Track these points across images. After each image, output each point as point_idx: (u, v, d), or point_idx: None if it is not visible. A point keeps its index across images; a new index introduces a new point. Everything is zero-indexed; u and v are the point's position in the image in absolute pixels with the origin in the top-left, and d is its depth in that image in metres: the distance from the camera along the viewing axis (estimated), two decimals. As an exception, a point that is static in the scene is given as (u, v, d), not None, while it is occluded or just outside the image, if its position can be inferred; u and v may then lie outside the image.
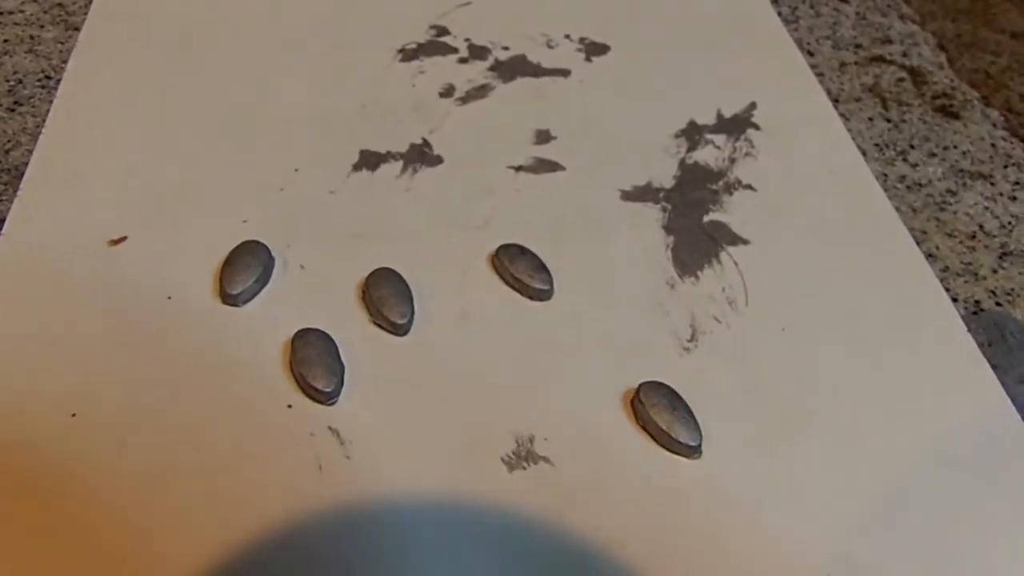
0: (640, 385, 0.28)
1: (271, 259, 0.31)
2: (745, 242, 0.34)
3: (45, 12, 0.42)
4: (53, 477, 0.26)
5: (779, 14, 0.46)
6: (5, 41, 0.40)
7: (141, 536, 0.25)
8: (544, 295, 0.31)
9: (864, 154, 0.39)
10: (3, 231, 0.32)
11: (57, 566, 0.24)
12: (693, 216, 0.35)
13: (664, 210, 0.35)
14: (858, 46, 0.46)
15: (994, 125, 0.42)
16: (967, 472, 0.28)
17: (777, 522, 0.26)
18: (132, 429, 0.27)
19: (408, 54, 0.41)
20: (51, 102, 0.37)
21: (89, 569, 0.24)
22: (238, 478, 0.26)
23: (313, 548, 0.25)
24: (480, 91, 0.40)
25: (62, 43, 0.40)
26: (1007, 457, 0.29)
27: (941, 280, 0.34)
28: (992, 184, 0.39)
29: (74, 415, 0.27)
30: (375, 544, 0.25)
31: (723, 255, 0.34)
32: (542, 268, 0.32)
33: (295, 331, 0.29)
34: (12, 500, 0.25)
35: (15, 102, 0.37)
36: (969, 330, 0.32)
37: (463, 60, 0.41)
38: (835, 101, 0.42)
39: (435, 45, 0.42)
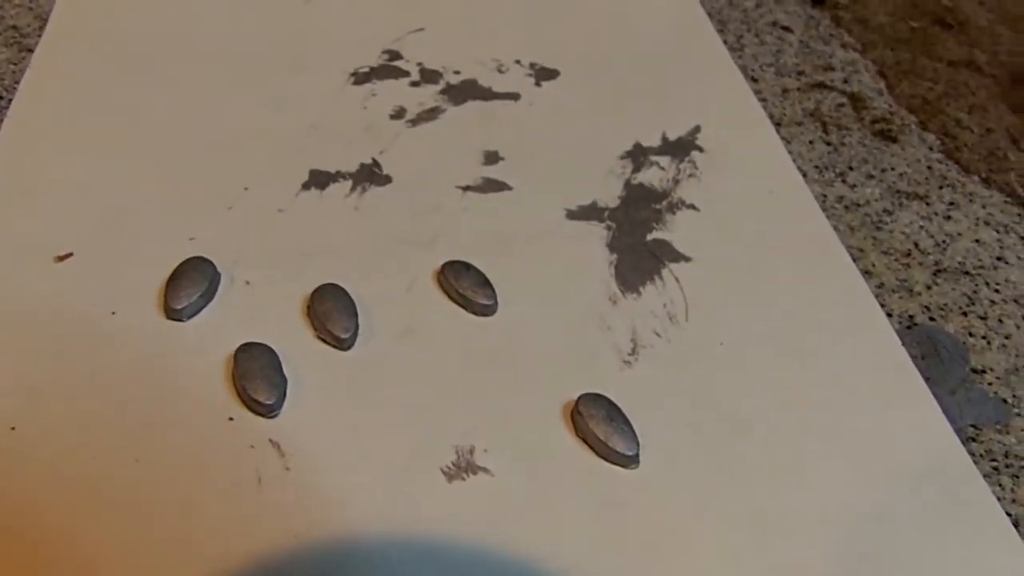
0: (580, 397, 0.29)
1: (217, 275, 0.32)
2: (687, 259, 0.35)
3: (-1, 34, 0.43)
4: (-12, 490, 0.26)
5: (725, 42, 0.47)
6: (-43, 62, 0.41)
7: (78, 547, 0.25)
8: (488, 310, 0.32)
9: (804, 175, 0.40)
10: (-53, 248, 0.32)
11: (-11, 579, 0.24)
12: (637, 234, 0.36)
13: (608, 228, 0.36)
14: (800, 73, 0.47)
15: (930, 148, 0.43)
16: (901, 481, 0.29)
17: (713, 531, 0.27)
18: (72, 442, 0.27)
19: (360, 77, 0.42)
20: (1, 121, 0.37)
21: (21, 582, 0.24)
22: (177, 489, 0.26)
23: (252, 560, 0.25)
24: (431, 113, 0.40)
25: (15, 64, 0.41)
26: (938, 466, 0.29)
27: (877, 296, 0.35)
28: (928, 204, 0.40)
29: (13, 428, 0.27)
30: (313, 556, 0.25)
31: (665, 272, 0.34)
32: (486, 284, 0.32)
33: (238, 345, 0.29)
34: (-55, 514, 0.25)
35: (-35, 122, 0.38)
36: (903, 344, 0.33)
37: (415, 84, 0.42)
38: (777, 125, 0.43)
39: (387, 69, 0.43)
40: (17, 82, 0.39)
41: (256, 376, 0.28)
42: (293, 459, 0.27)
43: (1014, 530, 0.27)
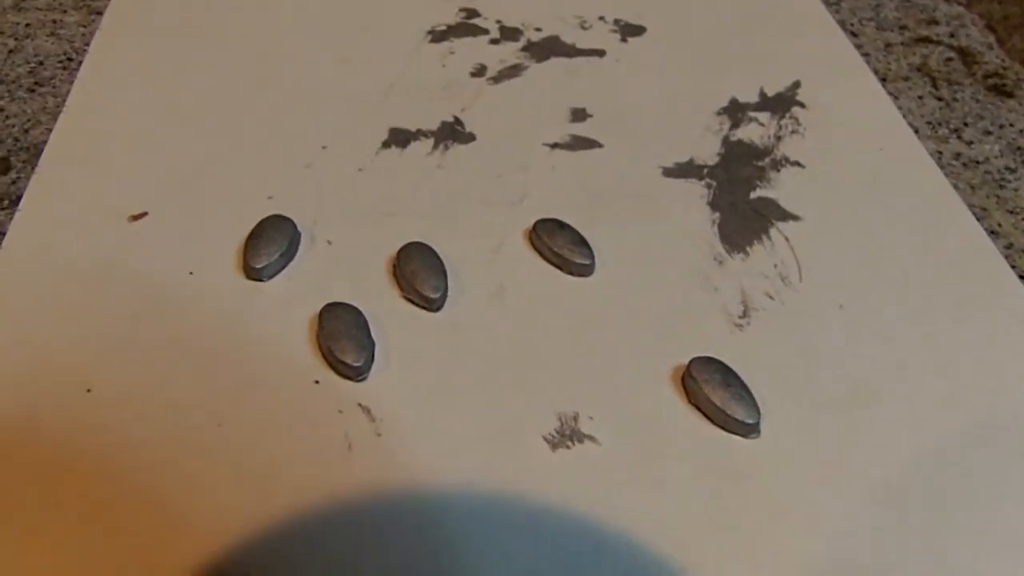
0: (691, 361, 0.26)
1: (297, 234, 0.30)
2: (796, 218, 0.32)
3: (68, -3, 0.41)
4: (67, 452, 0.24)
5: (820, -4, 0.44)
6: (27, 25, 0.40)
7: (158, 513, 0.23)
8: (586, 270, 0.30)
9: (916, 131, 0.37)
10: (20, 206, 0.31)
11: (72, 543, 0.22)
12: (739, 192, 0.33)
13: (708, 186, 0.33)
14: (903, 27, 0.44)
15: (1051, 103, 0.40)
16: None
17: (840, 505, 0.24)
18: (150, 405, 0.25)
19: (437, 35, 0.40)
20: (72, 83, 0.36)
21: (105, 546, 0.22)
22: (263, 455, 0.24)
23: (342, 528, 0.23)
24: (513, 71, 0.38)
25: (84, 27, 0.40)
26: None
27: (1006, 256, 0.32)
28: (1053, 162, 0.37)
29: (89, 390, 0.25)
30: (407, 526, 0.23)
31: (773, 231, 0.32)
32: (582, 243, 0.30)
33: (322, 306, 0.28)
34: (28, 474, 0.23)
35: (36, 83, 0.36)
36: (1039, 308, 0.30)
37: (495, 41, 0.40)
38: (882, 80, 0.40)
39: (465, 27, 0.40)
40: (87, 45, 0.38)
41: (343, 337, 0.26)
42: (384, 424, 0.25)
43: None
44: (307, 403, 0.26)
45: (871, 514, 0.24)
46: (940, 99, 0.40)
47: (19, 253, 0.29)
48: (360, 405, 0.26)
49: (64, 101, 0.35)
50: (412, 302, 0.28)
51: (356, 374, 0.26)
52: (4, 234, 0.30)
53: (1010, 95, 0.40)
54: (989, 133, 0.38)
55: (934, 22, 0.44)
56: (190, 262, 0.29)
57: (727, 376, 0.26)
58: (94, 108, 0.35)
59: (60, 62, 0.38)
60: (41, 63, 0.37)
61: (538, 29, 0.41)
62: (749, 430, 0.25)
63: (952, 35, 0.44)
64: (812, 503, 0.24)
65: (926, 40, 0.43)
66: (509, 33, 0.40)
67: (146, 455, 0.24)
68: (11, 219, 0.30)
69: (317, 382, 0.26)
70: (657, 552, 0.23)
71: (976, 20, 0.45)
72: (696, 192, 0.33)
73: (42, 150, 0.33)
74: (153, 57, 0.38)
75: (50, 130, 0.34)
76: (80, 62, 0.37)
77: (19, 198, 0.31)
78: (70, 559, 0.22)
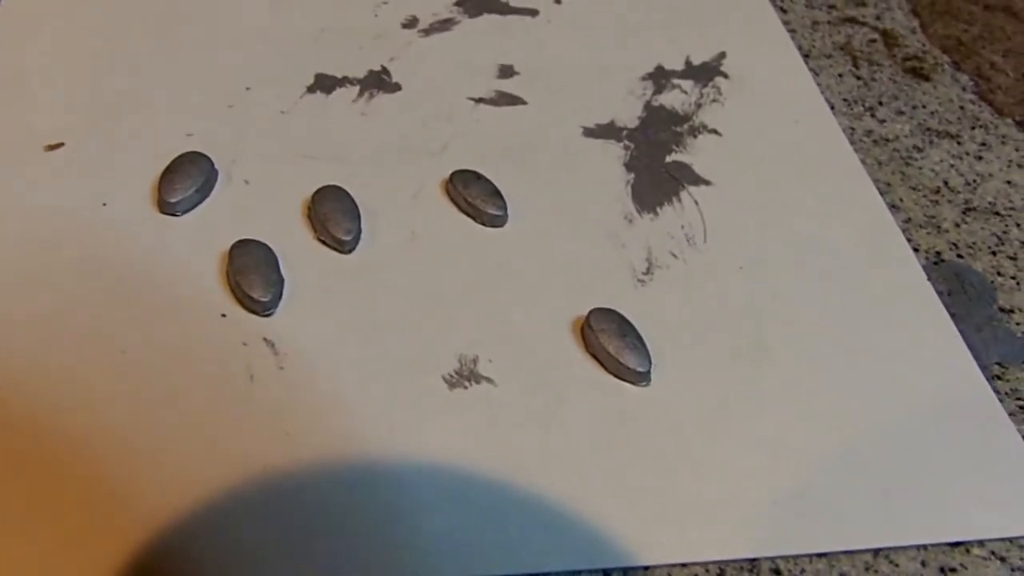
0: (590, 311, 0.27)
1: (214, 171, 0.30)
2: (707, 183, 0.33)
3: (-5, -77, 0.41)
4: (-36, 373, 0.24)
5: (754, -29, 0.45)
6: (-50, -52, 0.39)
7: (60, 437, 0.23)
8: (498, 221, 0.30)
9: (832, 108, 0.38)
10: (-68, 131, 0.30)
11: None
12: (656, 156, 0.34)
13: (626, 148, 0.34)
14: (831, 6, 0.45)
15: (963, 89, 0.41)
16: (922, 414, 0.27)
17: (724, 453, 0.25)
18: (56, 330, 0.25)
19: (372, -15, 0.40)
20: (-6, 10, 0.35)
21: (5, 469, 0.23)
22: (164, 383, 0.25)
23: (239, 456, 0.23)
24: (444, 24, 0.39)
25: (10, -46, 0.39)
26: (962, 401, 0.28)
27: (904, 231, 0.33)
28: (959, 143, 0.38)
29: (-8, 313, 0.26)
30: (304, 454, 0.24)
31: (684, 194, 0.33)
32: (496, 194, 0.31)
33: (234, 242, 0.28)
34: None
35: (-45, 7, 0.36)
36: (929, 279, 0.32)
37: (429, -6, 0.40)
38: (806, 57, 0.41)
39: (401, -22, 0.41)
40: (12, -28, 0.38)
41: (251, 272, 0.27)
42: (287, 359, 0.26)
43: (1040, 467, 0.26)
44: (212, 334, 0.26)
45: (750, 461, 0.25)
46: (859, 78, 0.41)
47: (-72, 176, 0.29)
48: (265, 339, 0.26)
49: (-15, 27, 0.35)
50: (325, 243, 0.29)
51: (263, 309, 0.26)
52: (-87, 156, 0.29)
53: (926, 78, 0.42)
54: (902, 113, 0.39)
55: (862, 4, 0.46)
56: (104, 193, 0.29)
57: (623, 327, 0.27)
58: (14, 35, 0.34)
59: (-17, -13, 0.37)
60: (-37, -13, 0.37)
61: (474, -15, 0.41)
62: (640, 378, 0.26)
63: (878, 17, 0.45)
64: (695, 449, 0.25)
65: (852, 20, 0.44)
66: (444, -13, 0.40)
67: (49, 379, 0.24)
68: (-78, 141, 0.30)
69: (224, 315, 0.27)
70: (543, 488, 0.24)
71: (903, 4, 0.46)
72: (614, 153, 0.34)
73: (-42, 75, 0.32)
74: (80, -12, 0.37)
75: (-32, 55, 0.33)
76: (4, -11, 0.37)
77: (-69, 121, 0.31)
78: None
